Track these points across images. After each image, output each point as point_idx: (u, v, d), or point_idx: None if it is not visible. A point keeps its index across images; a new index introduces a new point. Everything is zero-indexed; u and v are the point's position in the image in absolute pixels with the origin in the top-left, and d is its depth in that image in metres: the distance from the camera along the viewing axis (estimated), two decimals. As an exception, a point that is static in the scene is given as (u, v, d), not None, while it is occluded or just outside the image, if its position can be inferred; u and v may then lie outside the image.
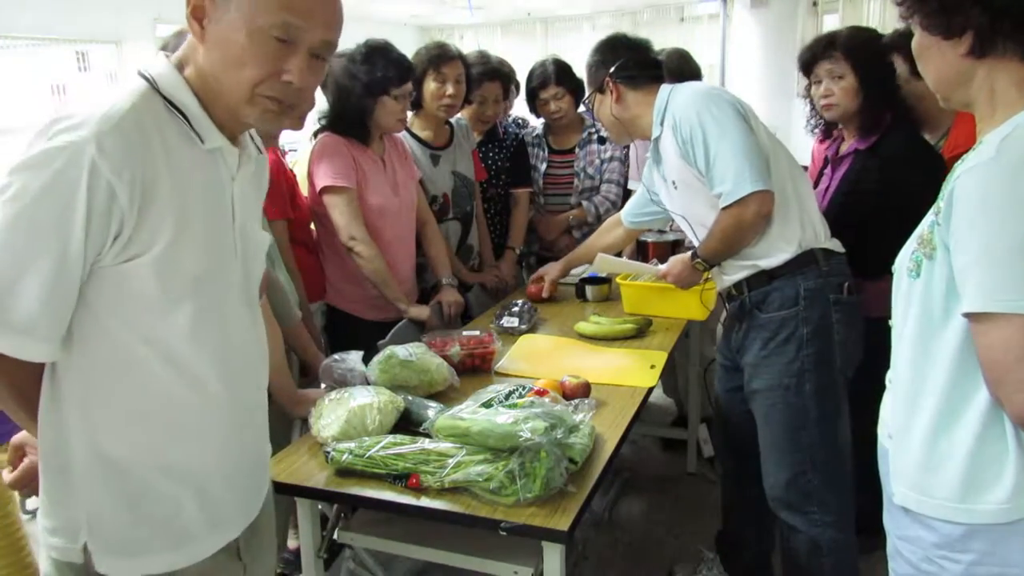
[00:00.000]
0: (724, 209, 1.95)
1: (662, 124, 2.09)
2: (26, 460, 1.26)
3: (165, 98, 1.08)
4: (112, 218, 1.01)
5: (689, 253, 2.17)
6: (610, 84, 2.16)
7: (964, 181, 1.06)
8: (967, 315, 1.06)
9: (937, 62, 1.17)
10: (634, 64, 2.17)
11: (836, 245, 2.03)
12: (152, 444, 1.13)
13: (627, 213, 2.60)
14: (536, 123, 3.43)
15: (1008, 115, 1.09)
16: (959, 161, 1.12)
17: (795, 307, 1.97)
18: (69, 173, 0.98)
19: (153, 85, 1.08)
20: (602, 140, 3.20)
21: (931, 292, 1.14)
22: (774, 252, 1.99)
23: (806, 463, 1.99)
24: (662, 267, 2.32)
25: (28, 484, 1.26)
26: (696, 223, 2.13)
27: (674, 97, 2.07)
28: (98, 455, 1.10)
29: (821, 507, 2.00)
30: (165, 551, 1.16)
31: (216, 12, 1.05)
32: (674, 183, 2.13)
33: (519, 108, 3.43)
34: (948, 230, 1.08)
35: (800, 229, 1.98)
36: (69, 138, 0.98)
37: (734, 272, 2.08)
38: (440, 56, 2.70)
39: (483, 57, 3.02)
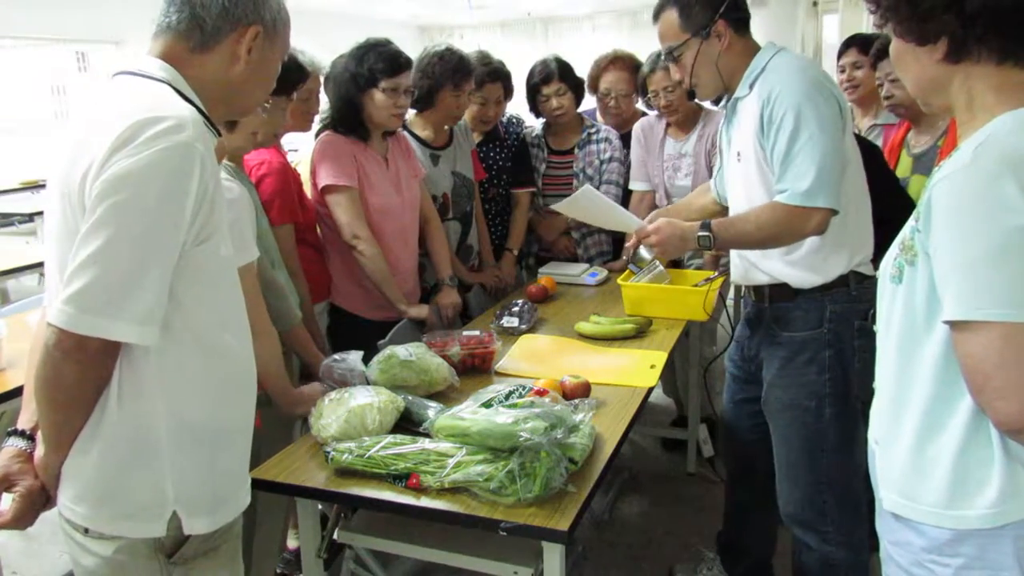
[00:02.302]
0: (781, 205, 1.79)
1: (751, 88, 1.87)
2: (20, 489, 1.24)
3: (185, 98, 1.22)
4: (203, 206, 1.15)
5: (690, 224, 1.96)
6: (722, 28, 1.86)
7: (940, 188, 1.06)
8: (947, 323, 1.06)
9: (914, 68, 1.16)
10: (744, 5, 1.88)
11: (869, 268, 1.91)
12: (221, 405, 1.27)
13: (715, 181, 2.30)
14: (535, 123, 3.43)
15: (986, 119, 1.09)
16: (937, 167, 1.12)
17: (819, 329, 1.88)
18: (185, 168, 1.12)
19: (173, 87, 1.21)
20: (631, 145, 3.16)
21: (913, 298, 1.14)
22: (811, 278, 1.89)
23: (822, 483, 1.95)
24: (649, 226, 2.04)
25: (28, 516, 1.25)
26: (747, 204, 1.95)
27: (776, 65, 1.84)
28: (181, 424, 1.21)
29: (836, 526, 1.96)
30: (231, 499, 1.32)
31: (265, 47, 1.29)
32: (739, 154, 1.95)
33: (514, 107, 3.41)
34: (928, 237, 1.08)
35: (848, 258, 1.87)
36: (178, 138, 1.11)
37: (758, 276, 1.98)
38: (463, 73, 2.71)
39: (485, 58, 3.01)
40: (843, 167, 1.80)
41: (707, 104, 2.98)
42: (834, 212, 1.77)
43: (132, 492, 1.20)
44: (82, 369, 1.12)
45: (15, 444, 1.27)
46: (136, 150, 1.08)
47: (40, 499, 1.26)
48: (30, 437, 1.28)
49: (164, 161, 1.09)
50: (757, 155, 1.86)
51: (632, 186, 3.13)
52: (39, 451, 1.24)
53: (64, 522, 1.25)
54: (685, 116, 3.01)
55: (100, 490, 1.20)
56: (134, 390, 1.18)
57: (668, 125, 3.07)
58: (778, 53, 1.87)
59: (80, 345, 1.09)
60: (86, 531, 1.22)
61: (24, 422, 1.30)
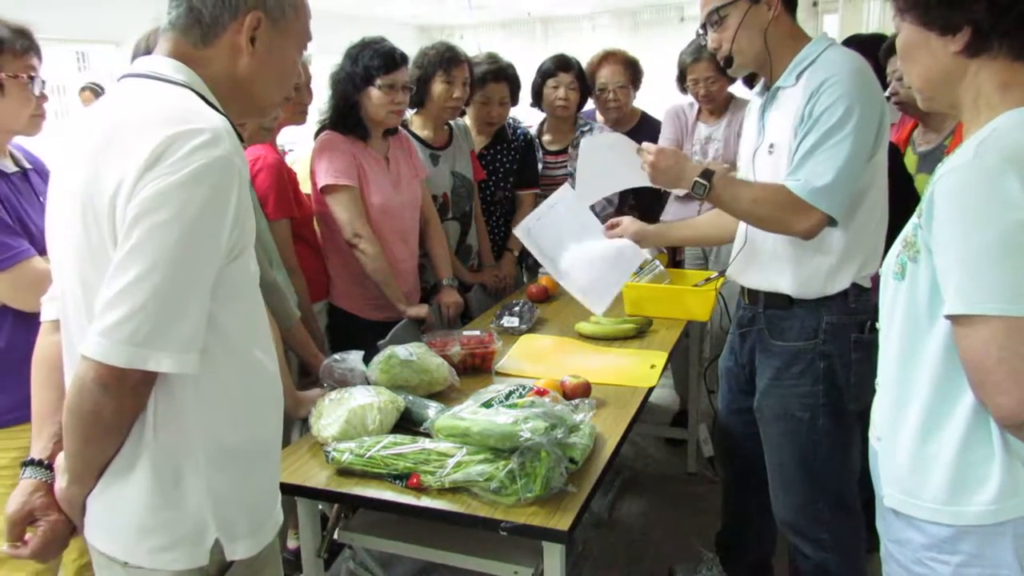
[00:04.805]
0: (788, 191, 1.73)
1: (797, 79, 1.79)
2: (44, 525, 1.19)
3: (206, 101, 1.15)
4: (239, 221, 1.10)
5: (693, 165, 1.88)
6: None
7: (943, 183, 1.06)
8: (949, 317, 1.06)
9: (926, 60, 1.15)
10: None
11: (867, 280, 1.86)
12: (256, 422, 1.22)
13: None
14: (532, 122, 3.43)
15: (990, 117, 1.09)
16: (940, 164, 1.12)
17: (813, 339, 1.85)
18: (224, 185, 1.05)
19: (195, 91, 1.14)
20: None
21: (916, 295, 1.14)
22: (813, 290, 1.84)
23: (816, 491, 1.93)
24: (654, 146, 1.94)
25: (52, 549, 1.21)
26: None
27: (830, 60, 1.76)
28: (219, 447, 1.16)
29: (831, 534, 1.95)
30: (269, 519, 1.27)
31: (271, 35, 1.19)
32: (772, 145, 1.87)
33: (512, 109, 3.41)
34: (930, 232, 1.08)
35: (854, 272, 1.82)
36: (215, 153, 1.04)
37: (755, 280, 1.95)
38: (451, 59, 2.71)
39: (492, 57, 3.01)
40: (859, 185, 1.75)
41: (739, 92, 3.12)
42: (831, 222, 1.73)
43: (173, 522, 1.14)
44: (121, 402, 1.06)
45: (35, 476, 1.21)
46: (173, 167, 1.01)
47: (65, 532, 1.21)
48: (48, 467, 1.22)
49: (203, 178, 1.02)
50: (791, 148, 1.79)
51: None
52: (60, 482, 1.18)
53: (99, 555, 1.19)
54: (718, 104, 3.14)
55: (139, 522, 1.14)
56: (171, 417, 1.12)
57: (700, 111, 3.20)
58: (831, 47, 1.79)
59: (121, 378, 1.03)
60: (125, 564, 1.15)
61: (39, 451, 1.23)
